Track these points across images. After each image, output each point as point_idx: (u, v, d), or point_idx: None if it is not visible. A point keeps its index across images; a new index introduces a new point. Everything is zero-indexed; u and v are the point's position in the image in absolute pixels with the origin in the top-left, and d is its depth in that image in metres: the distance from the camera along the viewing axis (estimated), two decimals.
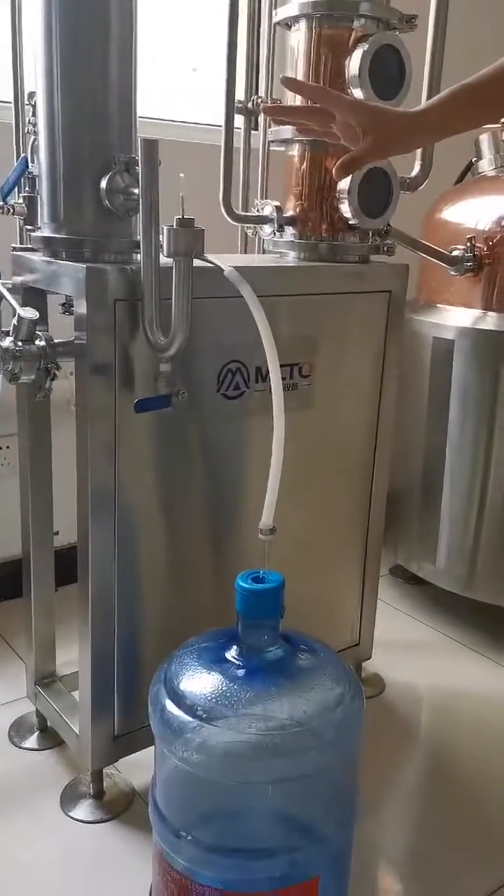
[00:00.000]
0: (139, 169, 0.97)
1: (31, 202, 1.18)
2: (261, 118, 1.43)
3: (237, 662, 0.91)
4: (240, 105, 1.45)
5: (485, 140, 1.85)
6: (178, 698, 0.88)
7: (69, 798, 1.25)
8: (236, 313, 1.17)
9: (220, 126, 1.31)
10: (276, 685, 0.88)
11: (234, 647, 0.92)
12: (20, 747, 1.36)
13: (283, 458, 1.03)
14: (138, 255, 1.07)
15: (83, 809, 1.23)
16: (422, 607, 1.91)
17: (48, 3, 1.00)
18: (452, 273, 1.63)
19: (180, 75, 1.95)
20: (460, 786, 1.34)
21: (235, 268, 1.02)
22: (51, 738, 1.38)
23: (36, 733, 1.39)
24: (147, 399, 1.05)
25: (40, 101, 1.05)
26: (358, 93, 1.20)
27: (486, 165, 1.85)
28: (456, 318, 1.67)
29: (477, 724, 1.49)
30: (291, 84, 1.11)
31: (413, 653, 1.73)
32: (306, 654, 0.94)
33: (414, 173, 1.40)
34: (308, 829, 0.91)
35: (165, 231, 0.96)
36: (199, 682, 0.89)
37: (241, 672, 0.90)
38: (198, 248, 0.97)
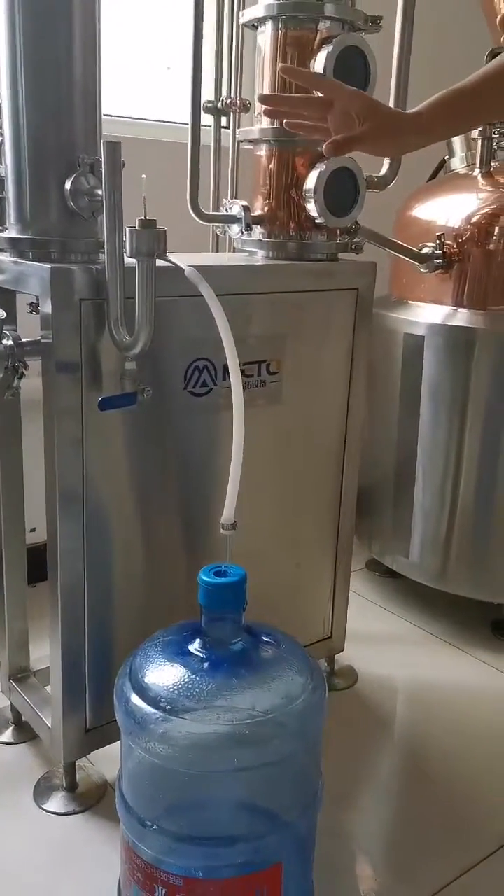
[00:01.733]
0: (103, 170, 0.99)
1: None
2: (231, 117, 1.45)
3: (200, 655, 0.92)
4: (209, 105, 1.47)
5: (456, 138, 1.87)
6: (143, 691, 0.90)
7: (42, 791, 1.26)
8: (202, 311, 1.18)
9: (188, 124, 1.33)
10: (239, 676, 0.90)
11: (198, 639, 0.94)
12: None
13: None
14: (104, 255, 1.08)
15: (56, 802, 1.24)
16: (397, 601, 1.93)
17: (11, 2, 1.01)
18: (422, 270, 1.65)
19: (155, 74, 1.96)
20: (432, 775, 1.36)
21: (197, 267, 1.04)
22: (25, 731, 1.39)
23: (11, 727, 1.40)
24: (111, 397, 1.06)
25: (5, 102, 1.06)
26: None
27: (457, 163, 1.87)
28: (426, 314, 1.69)
29: (450, 715, 1.52)
30: (290, 73, 1.10)
31: (387, 645, 1.76)
32: (269, 646, 0.96)
33: (383, 172, 1.42)
34: (271, 816, 0.94)
35: (128, 232, 0.98)
36: (164, 674, 0.91)
37: (204, 664, 0.92)
38: (160, 249, 0.99)
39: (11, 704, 1.40)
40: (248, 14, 1.28)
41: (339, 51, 1.21)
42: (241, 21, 1.32)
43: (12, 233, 1.09)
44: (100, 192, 1.02)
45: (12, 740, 1.38)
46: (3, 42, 1.03)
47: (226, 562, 0.95)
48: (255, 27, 1.30)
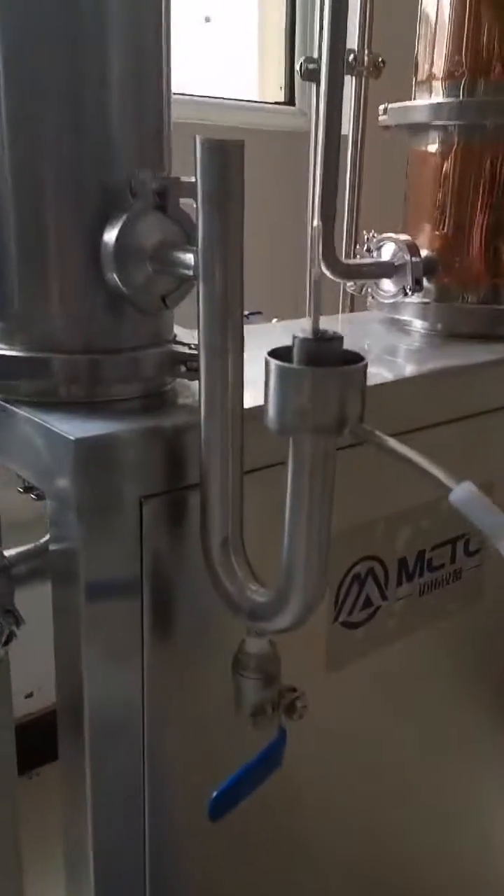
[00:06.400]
0: (196, 203, 0.40)
1: None
2: (354, 84, 0.85)
3: None
4: (310, 66, 0.87)
5: None
6: None
7: None
8: (363, 474, 0.60)
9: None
10: None
11: None
12: None
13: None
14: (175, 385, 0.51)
15: None
16: None
17: None
18: None
19: (190, 26, 1.35)
20: None
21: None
22: None
23: None
24: (226, 790, 0.46)
25: None
26: None
27: None
28: None
29: None
30: None
31: None
32: None
33: None
34: None
35: (273, 367, 0.39)
36: None
37: None
38: (358, 413, 0.40)
39: None
40: None
41: None
42: None
43: None
44: (186, 258, 0.43)
45: None
46: None
47: None
48: None
